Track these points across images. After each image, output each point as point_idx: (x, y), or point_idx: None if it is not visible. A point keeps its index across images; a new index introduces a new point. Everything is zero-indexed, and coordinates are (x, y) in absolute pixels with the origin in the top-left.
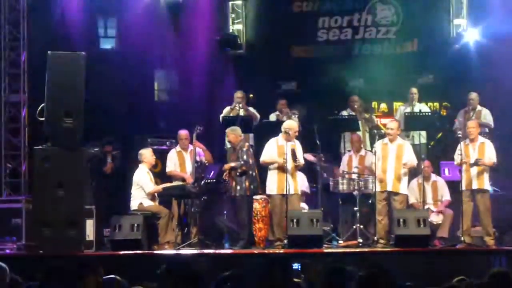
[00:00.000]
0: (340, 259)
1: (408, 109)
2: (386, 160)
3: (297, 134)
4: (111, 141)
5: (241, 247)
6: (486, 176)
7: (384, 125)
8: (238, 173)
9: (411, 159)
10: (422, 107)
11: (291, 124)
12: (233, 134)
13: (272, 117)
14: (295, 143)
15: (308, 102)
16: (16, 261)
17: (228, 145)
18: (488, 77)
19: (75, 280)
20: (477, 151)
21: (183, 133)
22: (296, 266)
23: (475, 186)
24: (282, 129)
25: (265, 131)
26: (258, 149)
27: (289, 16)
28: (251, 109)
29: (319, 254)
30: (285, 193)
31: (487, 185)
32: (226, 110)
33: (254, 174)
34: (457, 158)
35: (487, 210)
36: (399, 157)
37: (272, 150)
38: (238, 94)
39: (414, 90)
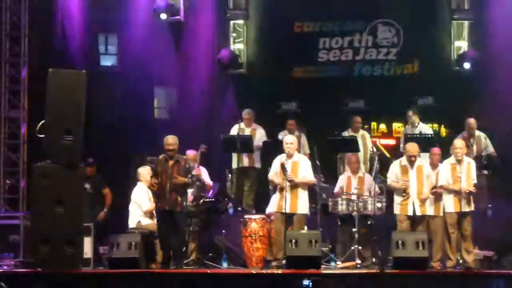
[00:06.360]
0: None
1: (410, 131)
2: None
3: (295, 147)
4: (91, 163)
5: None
6: (471, 198)
7: (384, 145)
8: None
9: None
10: (424, 128)
11: (286, 139)
12: (177, 141)
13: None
14: (298, 160)
15: (307, 122)
16: (14, 278)
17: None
18: (488, 99)
19: None
20: (465, 172)
21: (191, 154)
22: (307, 282)
23: (465, 208)
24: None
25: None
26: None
27: (290, 36)
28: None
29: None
30: (283, 211)
31: (472, 207)
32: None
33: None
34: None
35: (471, 232)
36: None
37: (275, 168)
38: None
39: (410, 113)
